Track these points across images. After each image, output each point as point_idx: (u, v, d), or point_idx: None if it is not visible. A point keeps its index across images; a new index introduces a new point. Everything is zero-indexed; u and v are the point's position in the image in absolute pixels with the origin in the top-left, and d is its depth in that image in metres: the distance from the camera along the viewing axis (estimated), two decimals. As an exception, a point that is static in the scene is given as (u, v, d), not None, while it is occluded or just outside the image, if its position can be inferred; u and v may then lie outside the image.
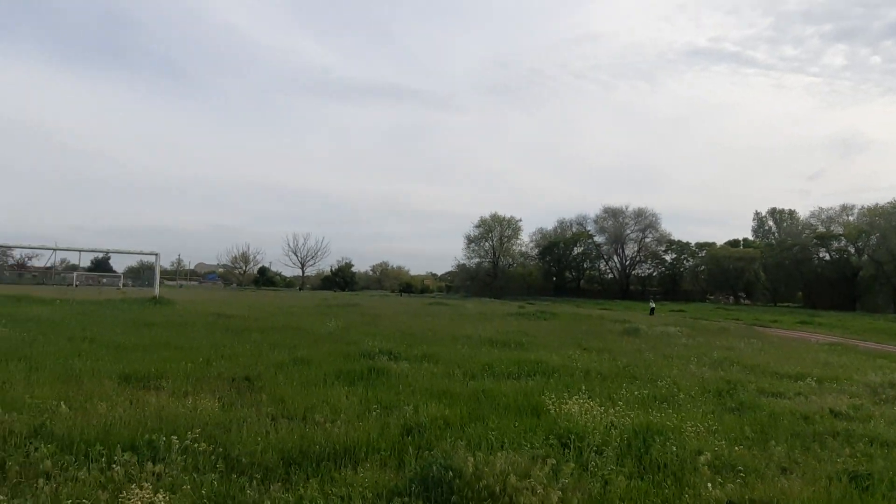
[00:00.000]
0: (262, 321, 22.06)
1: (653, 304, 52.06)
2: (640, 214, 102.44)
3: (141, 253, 45.88)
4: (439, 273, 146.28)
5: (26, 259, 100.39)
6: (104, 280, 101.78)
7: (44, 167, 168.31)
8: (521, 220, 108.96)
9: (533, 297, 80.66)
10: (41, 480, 4.87)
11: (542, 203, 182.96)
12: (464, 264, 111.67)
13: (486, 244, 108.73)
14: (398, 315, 29.49)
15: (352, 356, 12.56)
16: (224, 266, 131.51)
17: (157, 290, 38.30)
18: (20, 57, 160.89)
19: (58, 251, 54.99)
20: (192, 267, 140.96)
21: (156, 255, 40.48)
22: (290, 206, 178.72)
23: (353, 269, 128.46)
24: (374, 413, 7.70)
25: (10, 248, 78.79)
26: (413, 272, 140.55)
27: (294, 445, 6.08)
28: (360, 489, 5.02)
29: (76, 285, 75.56)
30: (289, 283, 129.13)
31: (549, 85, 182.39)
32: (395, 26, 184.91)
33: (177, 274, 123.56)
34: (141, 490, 4.58)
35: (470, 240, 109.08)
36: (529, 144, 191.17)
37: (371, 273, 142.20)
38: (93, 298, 34.97)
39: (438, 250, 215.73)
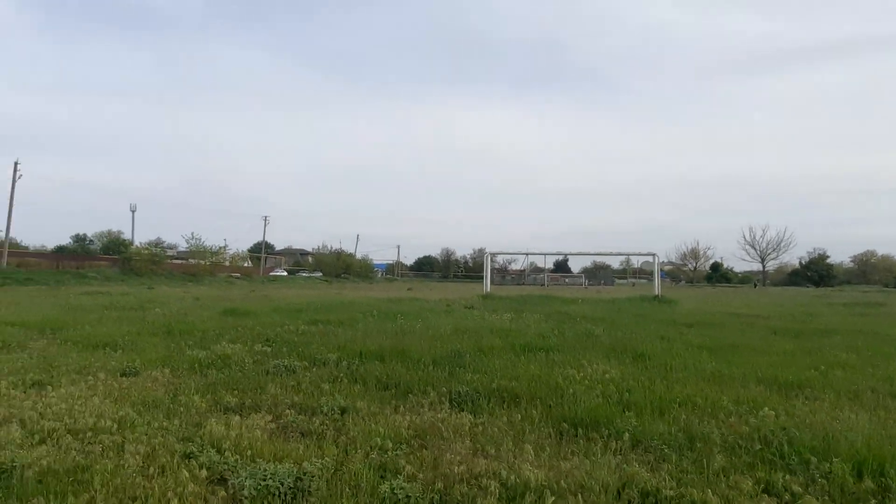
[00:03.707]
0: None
1: None
2: None
3: (639, 254, 51.54)
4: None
5: (507, 264, 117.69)
6: (566, 280, 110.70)
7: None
8: None
9: None
10: None
11: None
12: None
13: None
14: None
15: None
16: (671, 263, 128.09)
17: (657, 289, 37.28)
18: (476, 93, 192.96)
19: (530, 255, 61.50)
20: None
21: (654, 255, 40.01)
22: (725, 197, 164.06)
23: (829, 261, 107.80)
24: None
25: (500, 255, 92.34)
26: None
27: None
28: None
29: (546, 285, 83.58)
30: (742, 279, 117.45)
31: None
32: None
33: (626, 273, 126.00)
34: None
35: None
36: None
37: (851, 264, 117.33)
38: (595, 297, 35.56)
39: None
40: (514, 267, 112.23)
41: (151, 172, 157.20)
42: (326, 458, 4.84)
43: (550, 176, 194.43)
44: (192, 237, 63.61)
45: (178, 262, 63.69)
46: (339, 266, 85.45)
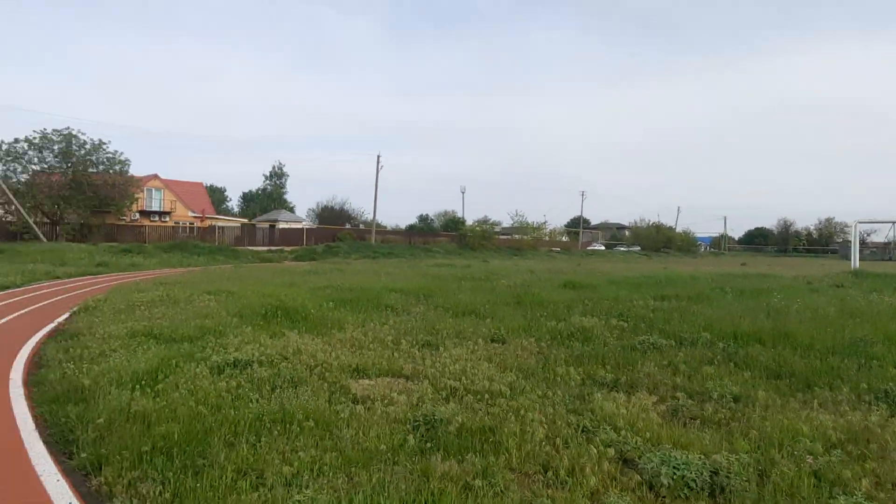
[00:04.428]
0: None
1: None
2: None
3: None
4: None
5: (865, 236, 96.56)
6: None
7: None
8: None
9: None
10: None
11: None
12: None
13: None
14: None
15: None
16: None
17: None
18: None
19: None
20: None
21: None
22: None
23: None
24: None
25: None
26: None
27: None
28: None
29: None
30: None
31: None
32: None
33: None
34: None
35: None
36: None
37: None
38: None
39: None
40: (874, 240, 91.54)
41: (476, 156, 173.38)
42: (742, 455, 4.16)
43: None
44: (517, 214, 68.13)
45: (504, 237, 68.92)
46: (658, 239, 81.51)
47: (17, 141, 39.46)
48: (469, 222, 69.93)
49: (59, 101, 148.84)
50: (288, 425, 4.77)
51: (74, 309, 12.26)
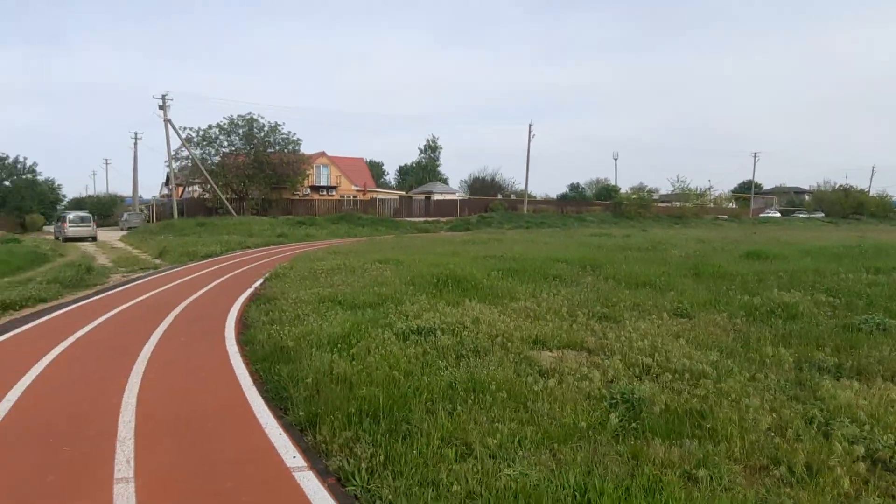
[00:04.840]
0: None
1: None
2: None
3: None
4: None
5: None
6: None
7: None
8: None
9: None
10: None
11: None
12: None
13: None
14: None
15: None
16: None
17: None
18: None
19: None
20: None
21: None
22: None
23: None
24: None
25: None
26: None
27: None
28: None
29: None
30: None
31: None
32: None
33: None
34: None
35: None
36: None
37: None
38: None
39: None
40: None
41: (630, 121, 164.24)
42: None
43: None
44: (678, 180, 63.61)
45: (662, 205, 64.82)
46: (847, 205, 71.42)
47: (210, 127, 44.54)
48: (623, 190, 66.70)
49: (241, 90, 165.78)
50: (480, 395, 4.73)
51: (266, 275, 13.52)
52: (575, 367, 5.47)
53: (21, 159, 51.15)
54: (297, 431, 4.37)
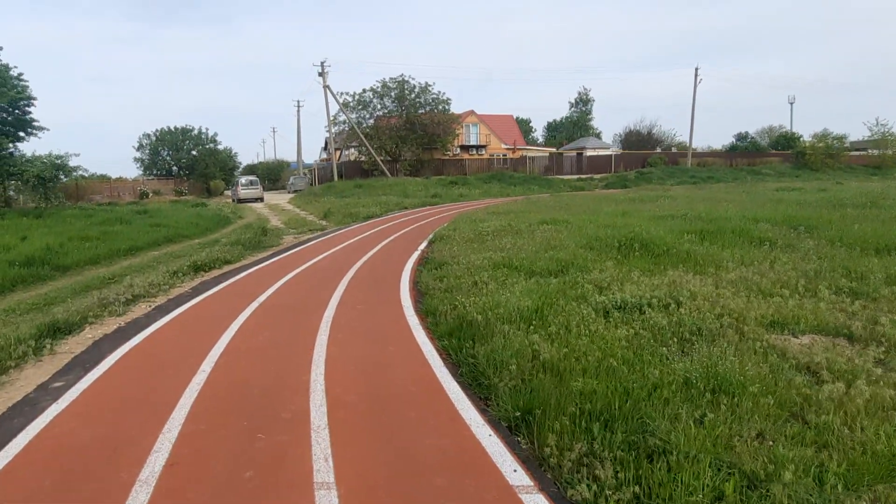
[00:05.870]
0: None
1: None
2: None
3: None
4: None
5: None
6: None
7: None
8: None
9: None
10: None
11: None
12: None
13: None
14: None
15: None
16: None
17: None
18: None
19: None
20: None
21: None
22: None
23: None
24: None
25: None
26: None
27: None
28: None
29: None
30: None
31: None
32: None
33: None
34: None
35: None
36: None
37: None
38: None
39: None
40: None
41: (807, 60, 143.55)
42: None
43: None
44: (877, 124, 54.10)
45: (855, 153, 55.91)
46: None
47: (364, 91, 45.79)
48: (804, 138, 58.48)
49: (393, 53, 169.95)
50: (731, 398, 3.67)
51: (430, 237, 13.17)
52: (844, 362, 4.17)
53: (204, 130, 56.70)
54: (506, 430, 3.65)
